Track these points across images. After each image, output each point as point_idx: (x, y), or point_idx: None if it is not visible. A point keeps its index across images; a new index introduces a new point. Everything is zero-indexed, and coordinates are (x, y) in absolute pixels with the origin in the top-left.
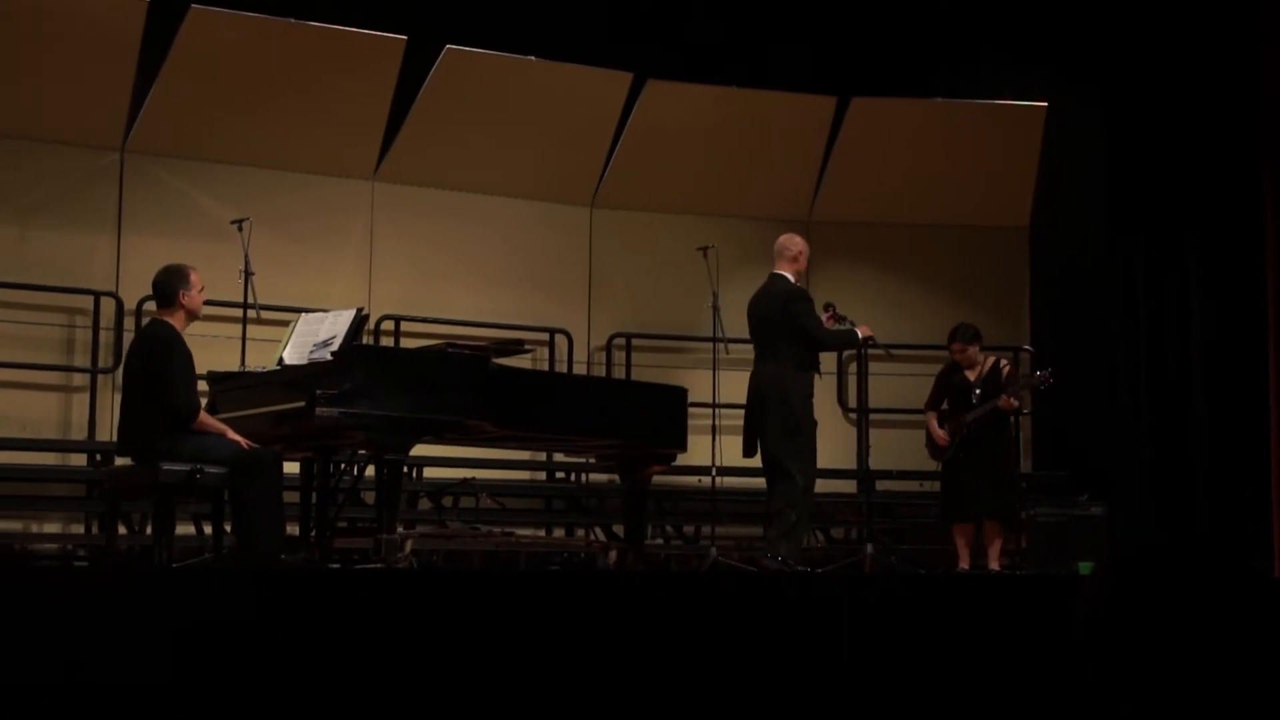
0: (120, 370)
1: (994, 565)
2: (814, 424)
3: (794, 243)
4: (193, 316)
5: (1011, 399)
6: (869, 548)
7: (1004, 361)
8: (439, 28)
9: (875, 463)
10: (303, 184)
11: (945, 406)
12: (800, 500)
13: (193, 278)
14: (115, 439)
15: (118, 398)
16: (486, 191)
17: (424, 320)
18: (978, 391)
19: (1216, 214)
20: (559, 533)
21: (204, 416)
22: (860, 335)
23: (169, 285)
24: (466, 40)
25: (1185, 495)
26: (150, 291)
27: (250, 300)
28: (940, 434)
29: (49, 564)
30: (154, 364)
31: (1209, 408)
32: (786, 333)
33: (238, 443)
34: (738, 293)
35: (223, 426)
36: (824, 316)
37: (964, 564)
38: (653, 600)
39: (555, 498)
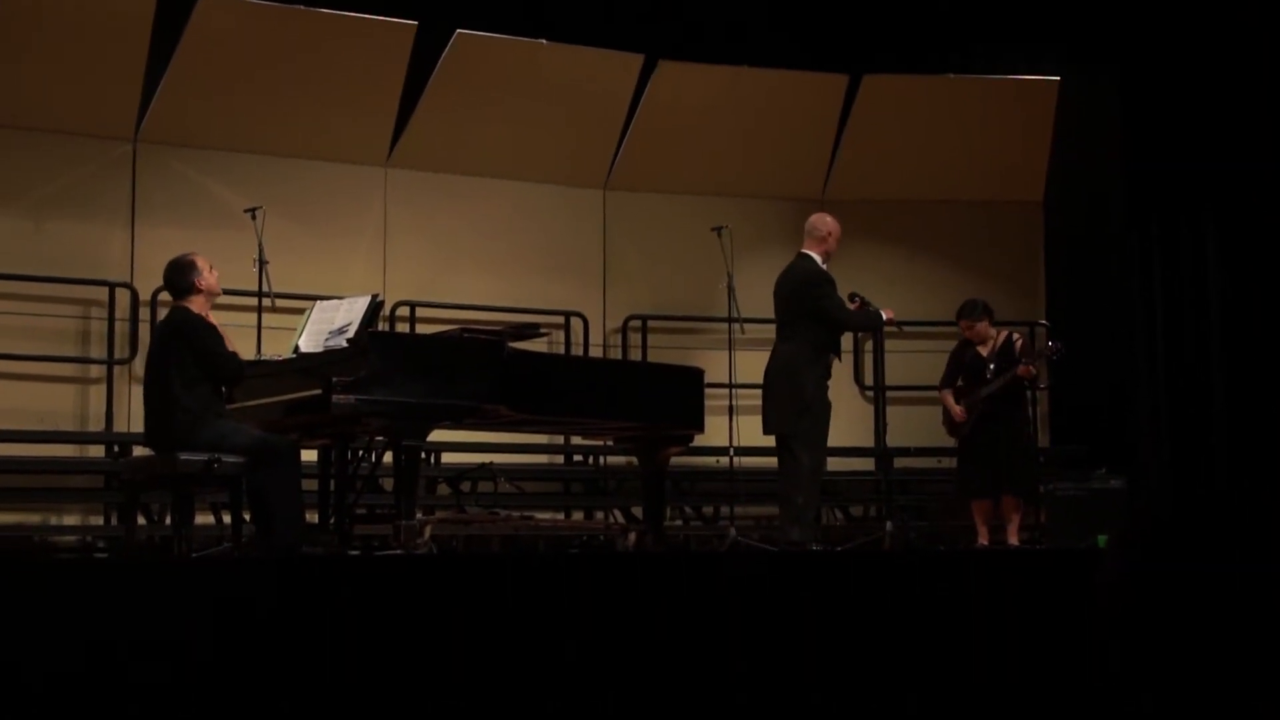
0: (137, 361)
1: (1013, 540)
2: (827, 406)
3: (824, 223)
4: (213, 296)
5: (1030, 366)
6: (888, 525)
7: (1016, 335)
8: (449, 12)
9: (893, 440)
10: (316, 171)
11: (960, 384)
12: (805, 482)
13: (199, 263)
14: (133, 430)
15: (135, 388)
16: (500, 176)
17: (439, 306)
18: (991, 367)
19: (1234, 185)
20: (578, 516)
21: None
22: (885, 317)
23: (182, 278)
24: (477, 25)
25: (1205, 468)
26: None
27: (265, 289)
28: (957, 409)
29: (68, 556)
30: (182, 346)
31: (1227, 379)
32: (805, 314)
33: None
34: (752, 273)
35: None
36: (851, 307)
37: (983, 540)
38: (672, 581)
39: (573, 481)
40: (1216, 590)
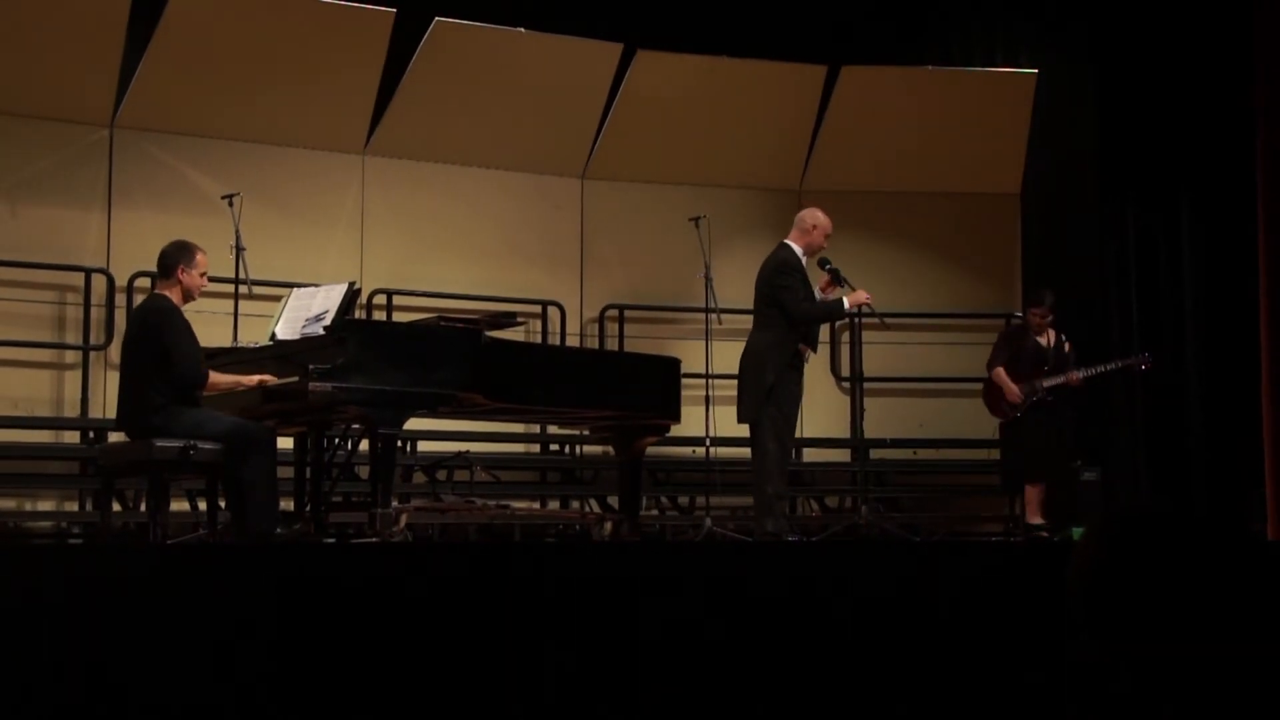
0: (113, 347)
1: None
2: (792, 395)
3: (812, 216)
4: (189, 296)
5: (1078, 375)
6: (863, 514)
7: (1064, 338)
8: (428, 0)
9: (869, 431)
10: (293, 158)
11: (1015, 369)
12: (774, 471)
13: (198, 258)
14: (108, 416)
15: (110, 374)
16: (477, 164)
17: (416, 294)
18: (1050, 362)
19: (1209, 176)
20: (554, 505)
21: (214, 377)
22: (847, 305)
23: (171, 258)
24: (455, 12)
25: (1179, 459)
26: (142, 268)
27: (242, 276)
28: (1014, 389)
29: (44, 542)
30: (152, 336)
31: (1202, 371)
32: (774, 303)
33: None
34: (730, 263)
35: (234, 378)
36: (822, 279)
37: (1035, 518)
38: (648, 571)
39: (550, 470)
40: (1189, 575)
